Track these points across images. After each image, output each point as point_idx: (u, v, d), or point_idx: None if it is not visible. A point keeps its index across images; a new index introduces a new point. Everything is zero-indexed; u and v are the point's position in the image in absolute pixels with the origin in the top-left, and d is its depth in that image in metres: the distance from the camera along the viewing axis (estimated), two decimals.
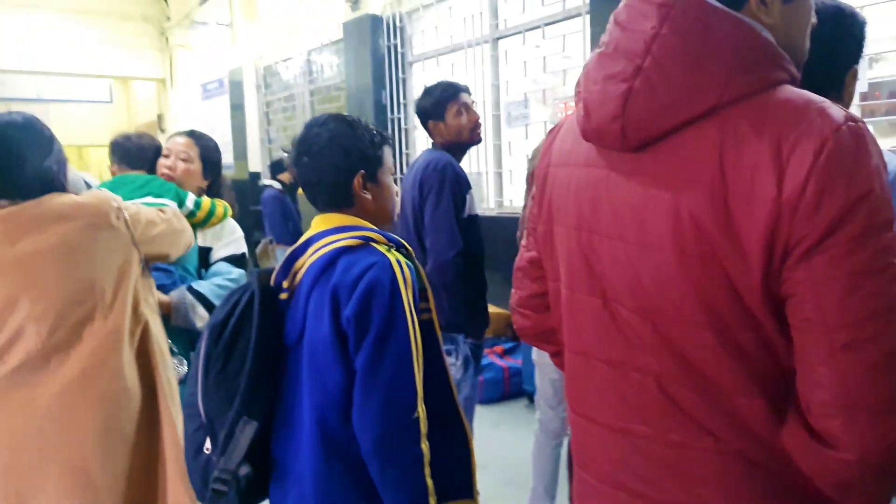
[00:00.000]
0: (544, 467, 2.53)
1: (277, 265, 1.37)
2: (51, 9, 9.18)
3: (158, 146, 2.25)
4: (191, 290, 2.03)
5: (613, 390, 0.97)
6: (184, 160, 2.19)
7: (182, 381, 1.82)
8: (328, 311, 1.23)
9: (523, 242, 1.22)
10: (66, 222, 1.44)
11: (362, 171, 1.35)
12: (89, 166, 14.40)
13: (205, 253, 2.18)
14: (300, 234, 5.10)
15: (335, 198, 1.36)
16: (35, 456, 1.43)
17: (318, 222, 1.36)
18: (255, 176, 8.24)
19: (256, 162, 8.42)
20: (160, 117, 10.97)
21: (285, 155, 6.51)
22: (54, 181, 1.50)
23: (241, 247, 2.25)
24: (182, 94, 10.15)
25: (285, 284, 1.31)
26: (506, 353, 4.55)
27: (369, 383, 1.19)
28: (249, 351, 1.22)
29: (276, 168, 6.38)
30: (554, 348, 1.20)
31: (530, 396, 4.26)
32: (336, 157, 1.33)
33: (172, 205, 2.04)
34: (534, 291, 1.19)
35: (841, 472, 0.79)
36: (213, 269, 2.15)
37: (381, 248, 1.30)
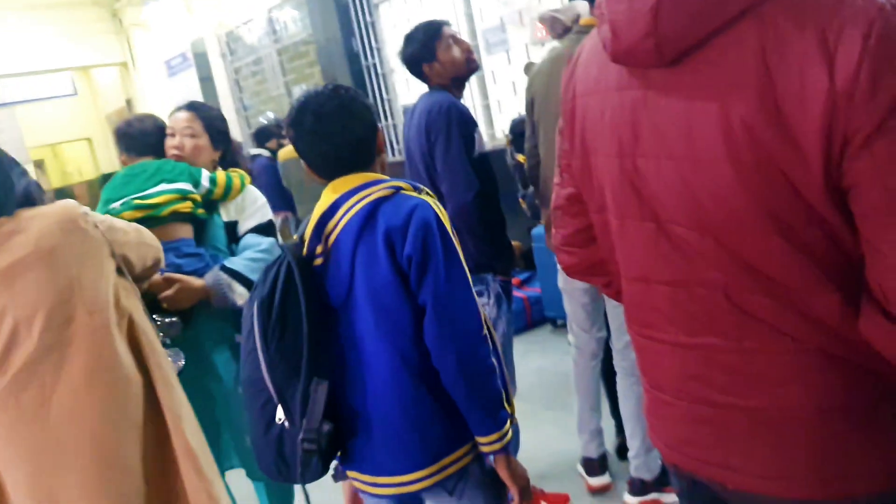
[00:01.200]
0: (587, 387, 2.58)
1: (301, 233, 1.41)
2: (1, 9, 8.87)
3: (161, 126, 2.18)
4: (224, 269, 2.01)
5: (679, 309, 0.97)
6: (190, 136, 2.12)
7: (180, 372, 1.80)
8: (384, 256, 1.30)
9: (556, 180, 1.20)
10: (39, 230, 1.49)
11: (379, 126, 1.44)
12: (66, 163, 14.19)
13: (231, 227, 2.15)
14: (291, 199, 5.12)
15: (360, 155, 1.40)
16: (56, 452, 1.50)
17: (339, 185, 1.39)
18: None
19: (234, 132, 8.29)
20: (129, 102, 10.73)
21: (265, 122, 6.39)
22: (31, 196, 1.55)
23: (267, 214, 2.20)
24: (147, 75, 9.90)
25: (319, 250, 1.36)
26: (523, 284, 4.59)
27: (442, 314, 1.29)
28: (302, 318, 1.28)
29: (261, 136, 6.25)
30: (604, 279, 1.20)
31: (553, 321, 4.32)
32: (363, 114, 1.40)
33: (188, 186, 2.02)
34: (576, 228, 1.18)
35: None
36: (243, 242, 2.12)
37: (412, 194, 1.37)
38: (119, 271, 1.63)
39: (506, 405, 1.34)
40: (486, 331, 1.34)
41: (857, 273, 0.83)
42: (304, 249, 1.37)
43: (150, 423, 1.60)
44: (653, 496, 2.44)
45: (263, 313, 1.30)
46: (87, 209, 1.60)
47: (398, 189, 1.37)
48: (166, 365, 1.67)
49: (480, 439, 1.33)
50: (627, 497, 2.48)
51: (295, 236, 1.44)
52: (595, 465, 2.59)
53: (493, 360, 1.34)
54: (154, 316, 1.92)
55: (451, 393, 1.32)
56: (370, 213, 1.33)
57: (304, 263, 1.35)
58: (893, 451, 0.89)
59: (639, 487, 2.45)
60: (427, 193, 1.42)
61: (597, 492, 2.60)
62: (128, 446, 1.55)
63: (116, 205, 2.00)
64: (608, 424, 2.77)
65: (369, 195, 1.34)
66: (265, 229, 2.16)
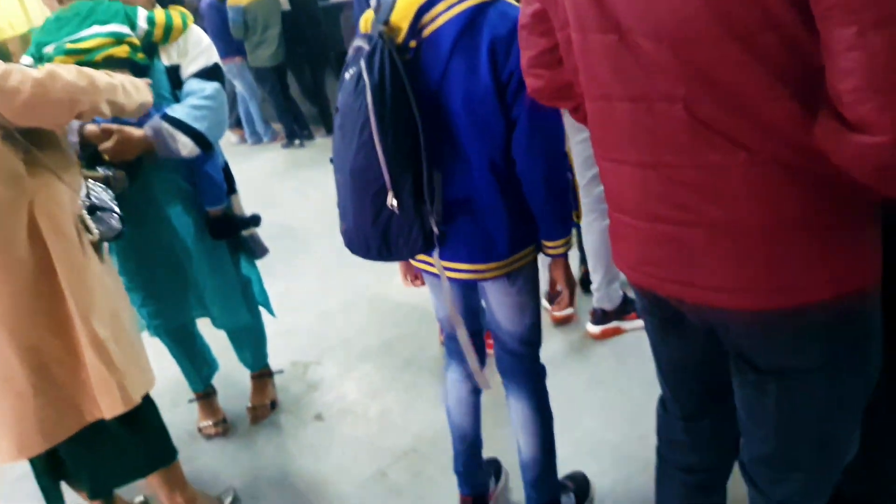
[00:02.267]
0: None
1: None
2: None
3: None
4: (165, 117, 1.90)
5: (640, 127, 0.96)
6: None
7: (118, 236, 1.71)
8: (486, 66, 1.29)
9: None
10: None
11: None
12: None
13: (174, 72, 2.00)
14: (239, 44, 4.90)
15: None
16: None
17: None
18: None
19: None
20: None
21: None
22: None
23: (213, 56, 2.04)
24: None
25: (412, 44, 1.32)
26: None
27: (534, 129, 1.33)
28: (413, 108, 1.29)
29: None
30: (572, 103, 1.17)
31: None
32: None
33: (123, 29, 1.86)
34: (543, 48, 1.13)
35: (877, 156, 0.79)
36: (186, 87, 1.98)
37: (513, 2, 1.33)
38: (22, 139, 1.46)
39: (573, 216, 1.45)
40: (565, 149, 1.41)
41: (814, 80, 0.81)
42: (399, 38, 1.31)
43: (48, 312, 1.51)
44: (614, 324, 2.56)
45: (378, 102, 1.26)
46: None
47: None
48: (74, 251, 1.55)
49: (547, 243, 1.47)
50: (590, 326, 2.60)
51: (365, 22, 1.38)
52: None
53: (569, 175, 1.44)
54: (98, 168, 1.84)
55: (530, 201, 1.42)
56: (473, 17, 1.28)
57: (400, 52, 1.31)
58: (843, 260, 0.92)
59: (600, 317, 2.57)
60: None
61: (560, 322, 2.73)
62: (19, 334, 1.48)
63: (49, 49, 1.85)
64: (572, 259, 2.84)
65: None
66: (210, 73, 2.02)
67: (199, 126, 1.92)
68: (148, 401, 1.74)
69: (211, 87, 1.99)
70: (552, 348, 2.57)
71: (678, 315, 1.09)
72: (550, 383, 1.71)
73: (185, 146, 1.91)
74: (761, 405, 1.06)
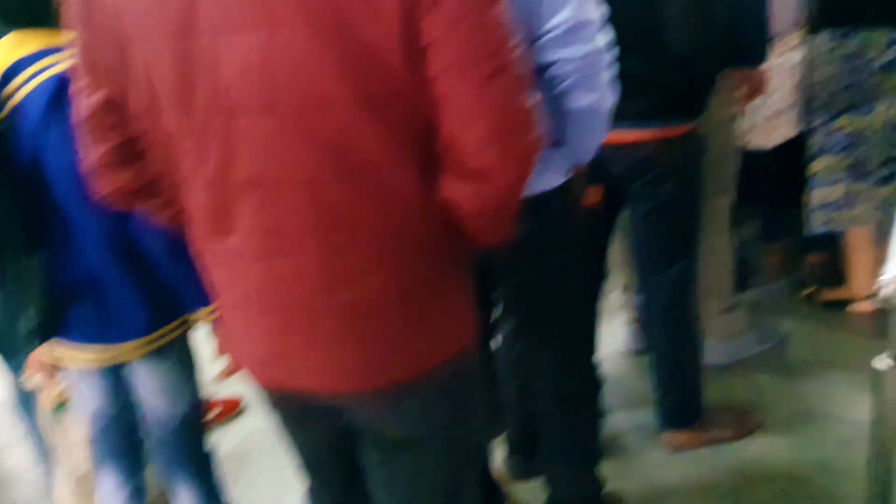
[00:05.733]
0: None
1: None
2: None
3: None
4: None
5: (265, 213, 0.89)
6: None
7: None
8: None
9: (78, 86, 0.97)
10: None
11: None
12: None
13: None
14: None
15: (31, 11, 1.26)
16: None
17: (15, 43, 1.27)
18: None
19: None
20: None
21: None
22: None
23: None
24: None
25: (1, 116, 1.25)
26: None
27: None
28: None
29: None
30: (157, 203, 1.03)
31: None
32: None
33: None
34: (117, 142, 0.97)
35: (492, 200, 0.87)
36: None
37: None
38: None
39: None
40: None
41: (432, 143, 0.86)
42: None
43: None
44: None
45: None
46: None
47: None
48: None
49: (193, 316, 1.43)
50: None
51: None
52: None
53: None
54: None
55: (161, 276, 1.36)
56: (60, 88, 1.20)
57: None
58: (457, 319, 0.99)
59: None
60: None
61: None
62: None
63: None
64: None
65: (53, 66, 1.23)
66: None
67: None
68: None
69: None
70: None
71: (307, 404, 1.06)
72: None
73: None
74: (394, 478, 1.07)
